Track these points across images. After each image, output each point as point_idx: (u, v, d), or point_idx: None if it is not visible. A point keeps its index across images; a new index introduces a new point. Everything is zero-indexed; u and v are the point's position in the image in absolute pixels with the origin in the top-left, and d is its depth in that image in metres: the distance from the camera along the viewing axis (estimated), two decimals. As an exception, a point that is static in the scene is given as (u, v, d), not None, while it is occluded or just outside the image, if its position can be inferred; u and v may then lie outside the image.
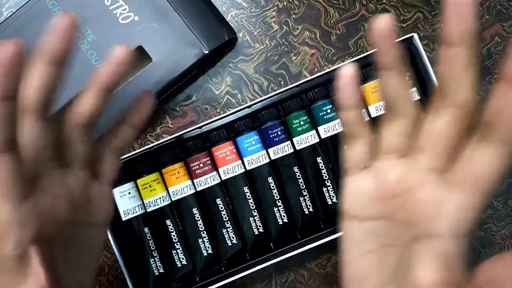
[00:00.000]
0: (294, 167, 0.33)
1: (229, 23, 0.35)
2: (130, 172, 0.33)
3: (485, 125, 0.19)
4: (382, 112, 0.33)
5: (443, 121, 0.21)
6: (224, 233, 0.33)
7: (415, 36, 0.32)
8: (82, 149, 0.24)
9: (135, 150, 0.33)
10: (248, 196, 0.33)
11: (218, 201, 0.33)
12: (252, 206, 0.33)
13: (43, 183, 0.22)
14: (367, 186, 0.23)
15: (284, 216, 0.33)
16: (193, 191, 0.33)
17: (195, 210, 0.33)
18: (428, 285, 0.20)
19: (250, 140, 0.33)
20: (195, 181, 0.33)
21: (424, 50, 0.33)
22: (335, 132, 0.33)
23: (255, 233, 0.33)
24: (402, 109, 0.23)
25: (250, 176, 0.33)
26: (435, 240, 0.20)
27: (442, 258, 0.20)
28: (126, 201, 0.32)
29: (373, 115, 0.33)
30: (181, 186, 0.33)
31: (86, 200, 0.25)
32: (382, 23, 0.21)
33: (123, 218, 0.32)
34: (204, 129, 0.33)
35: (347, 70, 0.23)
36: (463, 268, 0.20)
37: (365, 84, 0.33)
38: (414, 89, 0.32)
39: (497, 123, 0.18)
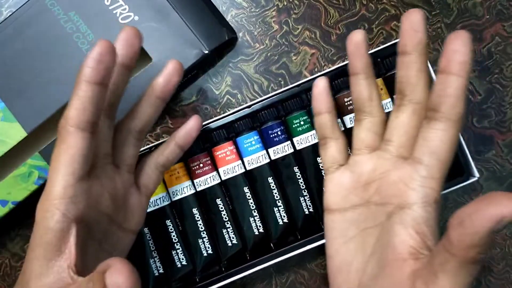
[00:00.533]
0: (294, 167, 0.33)
1: (229, 23, 0.35)
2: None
3: (432, 108, 0.22)
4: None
5: (404, 116, 0.25)
6: (224, 233, 0.33)
7: (416, 36, 0.32)
8: (132, 152, 0.27)
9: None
10: (248, 196, 0.33)
11: (218, 201, 0.33)
12: (252, 206, 0.33)
13: (98, 173, 0.24)
14: (345, 180, 0.27)
15: (284, 216, 0.33)
16: (193, 191, 0.33)
17: (195, 210, 0.33)
18: (405, 248, 0.22)
19: (250, 140, 0.33)
20: (195, 181, 0.33)
21: (425, 50, 0.33)
22: (335, 132, 0.33)
23: (255, 233, 0.33)
24: (369, 109, 0.26)
25: (250, 176, 0.33)
26: (407, 210, 0.23)
27: (415, 224, 0.22)
28: (126, 201, 0.32)
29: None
30: (181, 186, 0.33)
31: (125, 203, 0.26)
32: (356, 36, 0.26)
33: (123, 218, 0.32)
34: (204, 129, 0.33)
35: (320, 82, 0.28)
36: (436, 233, 0.23)
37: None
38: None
39: (441, 104, 0.22)
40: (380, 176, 0.25)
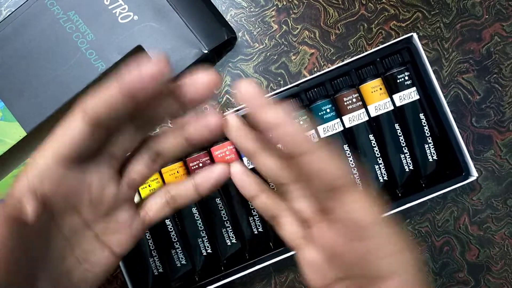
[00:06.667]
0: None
1: (229, 22, 0.35)
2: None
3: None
4: (381, 112, 0.33)
5: None
6: (224, 233, 0.33)
7: (415, 35, 0.32)
8: (142, 171, 0.24)
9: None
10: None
11: (218, 200, 0.33)
12: (252, 206, 0.33)
13: (89, 168, 0.22)
14: (315, 257, 0.24)
15: (283, 216, 0.33)
16: (193, 190, 0.33)
17: (194, 210, 0.33)
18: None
19: (249, 139, 0.33)
20: (194, 180, 0.33)
21: (424, 49, 0.33)
22: (334, 131, 0.33)
23: (255, 232, 0.33)
24: (290, 178, 0.24)
25: None
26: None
27: None
28: (126, 201, 0.32)
29: (373, 114, 0.33)
30: (180, 186, 0.33)
31: (109, 215, 0.24)
32: (233, 121, 0.24)
33: (123, 218, 0.32)
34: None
35: (234, 168, 0.25)
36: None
37: (365, 84, 0.33)
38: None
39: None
40: (343, 251, 0.23)
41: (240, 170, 0.25)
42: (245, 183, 0.25)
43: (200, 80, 0.21)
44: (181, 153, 0.24)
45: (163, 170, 0.33)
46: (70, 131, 0.20)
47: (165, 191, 0.25)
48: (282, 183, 0.24)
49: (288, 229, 0.25)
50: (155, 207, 0.25)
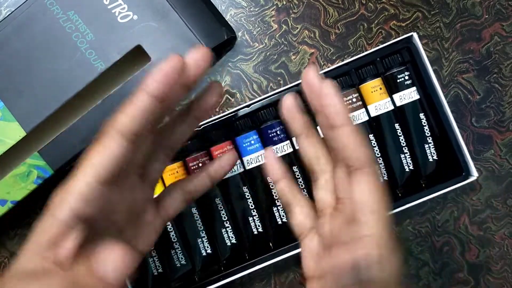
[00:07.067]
0: (294, 167, 0.33)
1: (228, 22, 0.34)
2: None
3: (345, 164, 0.22)
4: (381, 111, 0.33)
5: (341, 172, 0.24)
6: (223, 233, 0.33)
7: (415, 35, 0.32)
8: (160, 168, 0.26)
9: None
10: (247, 195, 0.33)
11: (217, 200, 0.33)
12: (251, 206, 0.33)
13: (122, 182, 0.23)
14: (314, 246, 0.25)
15: (283, 216, 0.33)
16: (192, 190, 0.33)
17: (194, 210, 0.33)
18: None
19: (249, 139, 0.33)
20: (194, 180, 0.33)
21: (424, 49, 0.33)
22: (334, 131, 0.33)
23: (254, 232, 0.33)
24: (318, 167, 0.26)
25: (249, 176, 0.33)
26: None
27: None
28: (125, 201, 0.32)
29: (372, 114, 0.33)
30: (180, 186, 0.33)
31: (139, 219, 0.25)
32: (287, 102, 0.25)
33: (122, 218, 0.32)
34: (203, 128, 0.33)
35: (269, 153, 0.27)
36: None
37: (365, 84, 0.33)
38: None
39: (347, 158, 0.22)
40: (336, 240, 0.24)
41: (273, 155, 0.27)
42: (275, 166, 0.27)
43: (192, 56, 0.22)
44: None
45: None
46: (109, 151, 0.21)
47: (182, 188, 0.27)
48: (314, 169, 0.26)
49: (298, 218, 0.26)
50: (174, 205, 0.26)
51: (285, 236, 0.33)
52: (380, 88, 0.33)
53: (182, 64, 0.21)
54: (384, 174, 0.33)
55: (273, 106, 0.33)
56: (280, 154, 0.33)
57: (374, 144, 0.33)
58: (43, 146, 0.32)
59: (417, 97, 0.33)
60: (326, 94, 0.21)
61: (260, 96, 0.36)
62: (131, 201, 0.24)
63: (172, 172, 0.32)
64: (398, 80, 0.33)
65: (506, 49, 0.36)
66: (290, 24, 0.36)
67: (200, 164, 0.32)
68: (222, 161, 0.28)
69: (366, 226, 0.21)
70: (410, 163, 0.33)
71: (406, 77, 0.33)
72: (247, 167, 0.33)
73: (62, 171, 0.33)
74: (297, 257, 0.35)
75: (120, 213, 0.23)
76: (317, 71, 0.23)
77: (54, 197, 0.21)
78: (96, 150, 0.21)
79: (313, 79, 0.22)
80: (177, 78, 0.21)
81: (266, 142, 0.33)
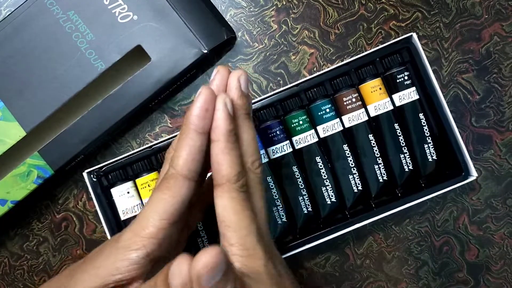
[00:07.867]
0: (293, 167, 0.33)
1: (228, 22, 0.35)
2: (129, 171, 0.33)
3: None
4: (381, 111, 0.33)
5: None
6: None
7: (414, 35, 0.32)
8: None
9: (134, 150, 0.33)
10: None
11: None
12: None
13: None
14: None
15: (283, 216, 0.33)
16: (192, 190, 0.33)
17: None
18: None
19: (249, 139, 0.33)
20: (194, 180, 0.33)
21: (423, 49, 0.33)
22: (333, 131, 0.33)
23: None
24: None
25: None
26: None
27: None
28: (125, 201, 0.32)
29: (372, 114, 0.33)
30: (180, 186, 0.33)
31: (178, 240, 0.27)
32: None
33: (122, 218, 0.32)
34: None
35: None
36: None
37: (364, 84, 0.33)
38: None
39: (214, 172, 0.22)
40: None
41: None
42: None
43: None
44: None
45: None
46: (178, 194, 0.22)
47: (200, 204, 0.28)
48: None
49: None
50: (196, 221, 0.29)
51: (285, 236, 0.33)
52: (380, 88, 0.33)
53: (213, 94, 0.22)
54: (384, 174, 0.33)
55: (273, 106, 0.33)
56: (279, 154, 0.33)
57: (373, 144, 0.33)
58: (43, 146, 0.32)
59: (417, 97, 0.33)
60: (217, 109, 0.22)
61: (260, 96, 0.36)
62: (180, 229, 0.26)
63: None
64: (397, 80, 0.33)
65: (505, 49, 0.36)
66: (290, 24, 0.37)
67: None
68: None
69: (224, 238, 0.22)
70: (409, 163, 0.33)
71: (406, 77, 0.33)
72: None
73: (62, 171, 0.33)
74: (297, 257, 0.35)
75: (173, 243, 0.25)
76: (223, 78, 0.23)
77: (128, 235, 0.23)
78: (167, 195, 0.22)
79: (209, 95, 0.22)
80: (213, 108, 0.22)
81: (266, 142, 0.33)
